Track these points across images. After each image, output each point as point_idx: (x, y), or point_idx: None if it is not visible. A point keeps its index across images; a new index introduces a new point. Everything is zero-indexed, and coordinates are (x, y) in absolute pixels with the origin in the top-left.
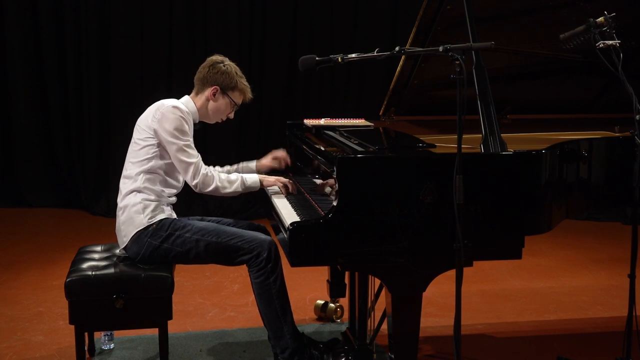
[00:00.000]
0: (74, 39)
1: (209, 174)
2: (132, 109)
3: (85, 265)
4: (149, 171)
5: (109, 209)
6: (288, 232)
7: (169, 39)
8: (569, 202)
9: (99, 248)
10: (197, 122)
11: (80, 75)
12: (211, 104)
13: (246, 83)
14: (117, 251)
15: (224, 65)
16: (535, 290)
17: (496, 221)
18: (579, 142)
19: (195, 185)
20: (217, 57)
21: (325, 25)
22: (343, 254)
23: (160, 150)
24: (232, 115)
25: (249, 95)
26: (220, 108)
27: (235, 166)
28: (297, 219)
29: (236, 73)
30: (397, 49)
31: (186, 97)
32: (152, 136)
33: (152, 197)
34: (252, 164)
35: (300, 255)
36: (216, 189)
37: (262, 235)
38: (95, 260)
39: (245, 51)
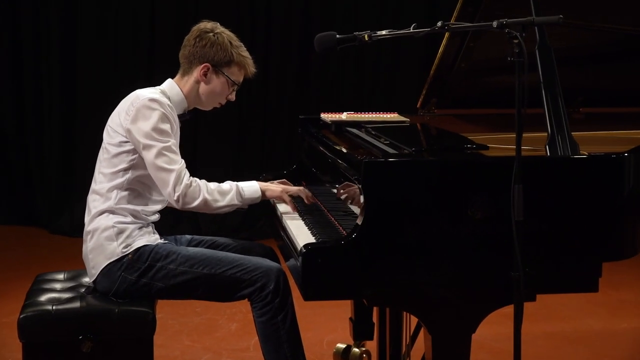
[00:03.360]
0: (30, 16)
1: (194, 183)
2: (104, 103)
3: (44, 297)
4: (124, 186)
5: (74, 227)
6: (300, 256)
7: (150, 10)
8: None
9: (61, 276)
10: (186, 111)
11: (37, 60)
12: (202, 86)
13: (245, 53)
14: (85, 280)
15: (213, 35)
16: (617, 333)
17: (566, 243)
18: None
19: (177, 199)
20: (205, 25)
21: None
22: (370, 285)
23: (138, 158)
24: (233, 97)
25: (252, 69)
26: (215, 90)
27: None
28: (312, 239)
29: (230, 43)
30: (439, 23)
31: (169, 82)
32: (126, 139)
33: (128, 220)
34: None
35: (316, 286)
36: (204, 203)
37: (268, 262)
38: (56, 292)
39: (246, 26)
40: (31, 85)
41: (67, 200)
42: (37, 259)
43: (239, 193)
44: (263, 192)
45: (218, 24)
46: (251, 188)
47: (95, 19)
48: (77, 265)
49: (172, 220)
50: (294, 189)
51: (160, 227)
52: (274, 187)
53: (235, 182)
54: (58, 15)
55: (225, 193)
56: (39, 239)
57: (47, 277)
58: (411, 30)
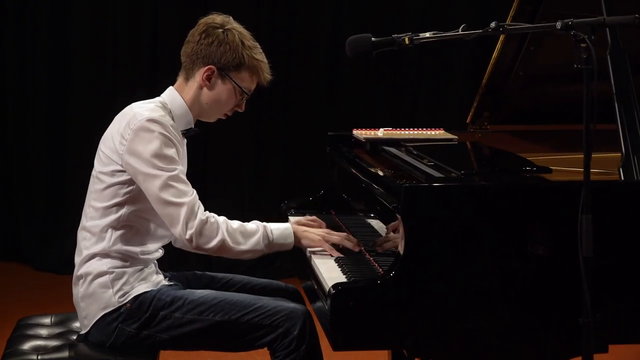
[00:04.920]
0: (15, 18)
1: (211, 219)
2: (99, 117)
3: (27, 345)
4: (119, 224)
5: (63, 263)
6: (329, 298)
7: (152, 10)
8: None
9: (47, 320)
10: (191, 126)
11: (23, 70)
12: (205, 92)
13: (260, 56)
14: (75, 325)
15: (223, 31)
16: None
17: None
18: None
19: (191, 238)
20: (214, 19)
21: None
22: (412, 332)
23: (135, 190)
24: (242, 108)
25: (267, 75)
26: (220, 98)
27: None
28: (343, 278)
29: (242, 42)
30: (493, 24)
31: (169, 92)
32: (121, 168)
33: (126, 264)
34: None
35: (348, 333)
36: (221, 244)
37: (291, 304)
38: (42, 339)
39: (264, 28)
40: (14, 100)
41: (55, 232)
42: (20, 300)
43: (266, 236)
44: (298, 239)
45: (231, 18)
46: (283, 232)
47: (91, 18)
48: (66, 308)
49: (178, 255)
50: (337, 237)
51: (165, 263)
52: (312, 235)
53: (263, 223)
54: (46, 14)
55: (250, 235)
56: (22, 276)
57: (31, 322)
58: (460, 32)
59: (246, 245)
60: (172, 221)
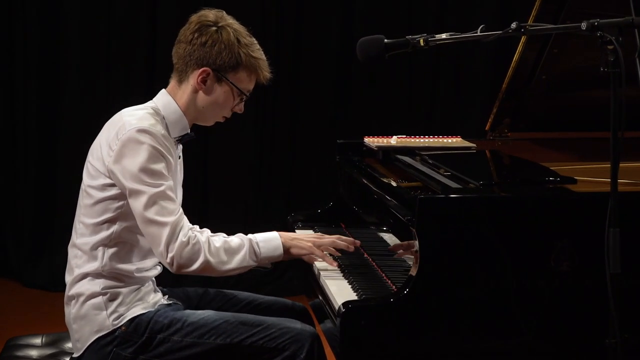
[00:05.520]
0: (4, 19)
1: (192, 240)
2: (90, 131)
3: None
4: (111, 241)
5: (53, 280)
6: (339, 317)
7: (151, 11)
8: None
9: (37, 340)
10: (187, 131)
11: (12, 80)
12: (201, 96)
13: (257, 53)
14: (68, 345)
15: (217, 30)
16: None
17: None
18: None
19: (171, 262)
20: (206, 15)
21: None
22: (428, 354)
23: (127, 205)
24: (240, 109)
25: (265, 73)
26: (218, 101)
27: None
28: (354, 296)
29: (237, 40)
30: (514, 25)
31: (162, 96)
32: (110, 182)
33: (121, 284)
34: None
35: (359, 354)
36: (205, 266)
37: (298, 324)
38: None
39: (269, 28)
40: (1, 107)
41: (44, 247)
42: (9, 319)
43: (252, 251)
44: (286, 248)
45: (224, 13)
46: (269, 243)
47: (84, 21)
48: (57, 327)
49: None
50: (327, 239)
51: (165, 279)
52: (302, 243)
53: (249, 236)
54: (36, 14)
55: (235, 252)
56: (10, 293)
57: (20, 342)
58: (478, 33)
59: (231, 263)
60: (154, 241)
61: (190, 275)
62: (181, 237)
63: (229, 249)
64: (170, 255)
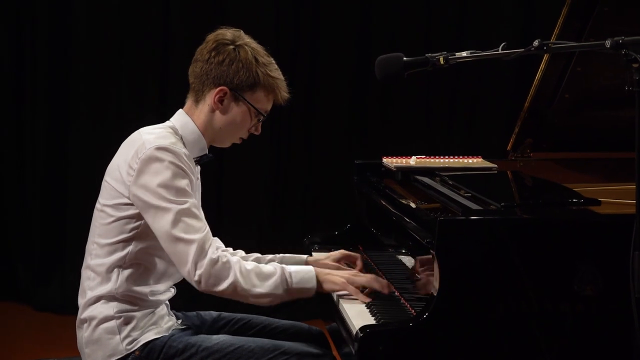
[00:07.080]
0: (10, 30)
1: (223, 259)
2: (102, 149)
3: None
4: (126, 263)
5: (65, 302)
6: (356, 342)
7: (163, 24)
8: None
9: None
10: (205, 152)
11: (21, 99)
12: (218, 116)
13: (275, 73)
14: None
15: (234, 48)
16: None
17: None
18: None
19: (199, 280)
20: (223, 34)
21: (417, 4)
22: None
23: (143, 225)
24: (258, 130)
25: (284, 93)
26: (235, 121)
27: (269, 257)
28: (372, 320)
29: (256, 59)
30: (536, 42)
31: (179, 115)
32: (128, 201)
33: (135, 307)
34: (301, 259)
35: None
36: (235, 287)
37: (315, 350)
38: None
39: (284, 44)
40: (10, 119)
41: (55, 269)
42: (19, 343)
43: (284, 280)
44: (320, 281)
45: (242, 32)
46: (304, 276)
47: (94, 33)
48: (69, 352)
49: (192, 293)
50: (363, 278)
51: (178, 302)
52: (336, 278)
53: (281, 265)
54: (46, 28)
55: (266, 277)
56: (21, 317)
57: None
58: (500, 52)
59: (262, 288)
60: (180, 260)
61: (206, 298)
62: (210, 255)
63: (261, 273)
64: (198, 272)
